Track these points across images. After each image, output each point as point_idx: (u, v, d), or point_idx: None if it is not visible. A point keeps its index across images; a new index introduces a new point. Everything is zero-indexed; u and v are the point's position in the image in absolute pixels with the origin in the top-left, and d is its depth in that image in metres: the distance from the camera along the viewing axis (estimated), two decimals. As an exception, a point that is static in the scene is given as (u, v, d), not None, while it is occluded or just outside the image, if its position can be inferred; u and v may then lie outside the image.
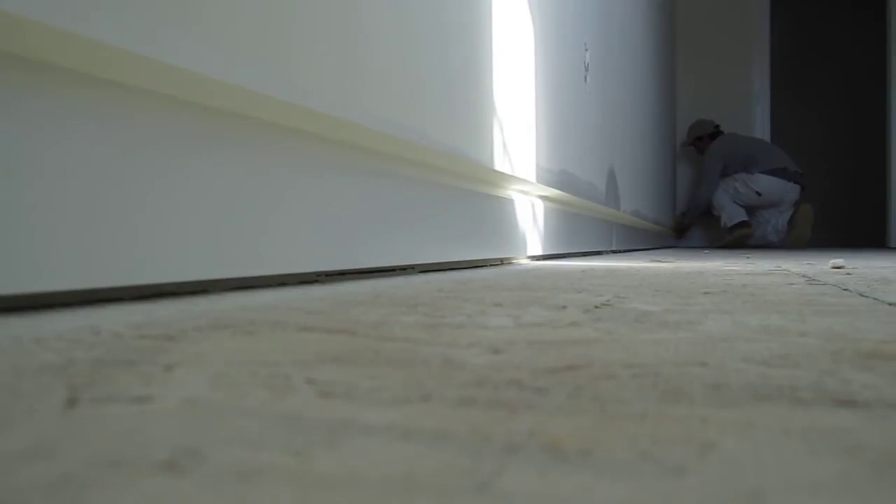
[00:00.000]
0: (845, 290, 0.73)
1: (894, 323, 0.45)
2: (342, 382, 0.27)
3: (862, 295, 0.66)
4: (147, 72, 0.55)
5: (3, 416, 0.22)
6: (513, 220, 1.57)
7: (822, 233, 4.97)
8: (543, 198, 1.81)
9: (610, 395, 0.25)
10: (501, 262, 1.49)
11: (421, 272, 1.06)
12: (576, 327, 0.43)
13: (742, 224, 4.19)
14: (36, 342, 0.35)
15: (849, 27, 5.32)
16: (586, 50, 2.12)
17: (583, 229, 2.29)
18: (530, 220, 1.70)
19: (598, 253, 2.49)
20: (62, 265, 0.49)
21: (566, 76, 1.91)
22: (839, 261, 1.33)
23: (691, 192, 4.66)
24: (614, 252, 2.75)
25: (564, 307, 0.54)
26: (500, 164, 1.34)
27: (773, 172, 4.15)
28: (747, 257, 2.08)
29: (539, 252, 1.76)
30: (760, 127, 4.90)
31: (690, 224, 4.67)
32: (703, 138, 4.44)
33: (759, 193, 4.16)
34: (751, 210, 4.25)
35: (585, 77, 2.12)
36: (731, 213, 4.21)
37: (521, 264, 1.49)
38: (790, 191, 4.17)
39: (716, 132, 4.42)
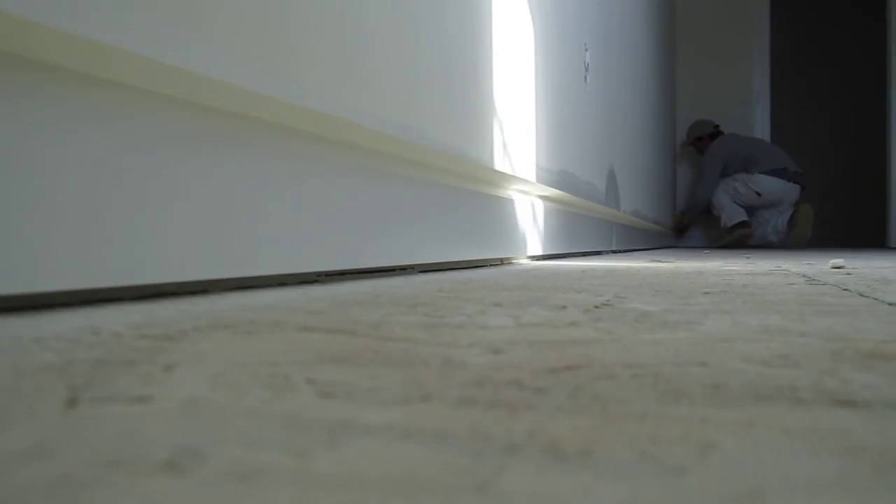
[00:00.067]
0: (845, 290, 0.73)
1: (894, 323, 0.45)
2: (342, 382, 0.27)
3: (862, 295, 0.66)
4: (147, 72, 0.55)
5: (3, 416, 0.22)
6: (513, 220, 1.57)
7: (822, 233, 4.97)
8: (543, 198, 1.81)
9: (610, 395, 0.25)
10: (501, 262, 1.49)
11: (421, 272, 1.06)
12: (576, 327, 0.43)
13: (742, 224, 4.19)
14: (36, 342, 0.35)
15: (849, 27, 5.32)
16: (586, 50, 2.12)
17: (583, 229, 2.29)
18: (530, 220, 1.70)
19: (598, 253, 2.49)
20: (62, 265, 0.49)
21: (566, 76, 1.91)
22: (839, 261, 1.33)
23: (690, 191, 4.66)
24: (614, 252, 2.75)
25: (564, 307, 0.54)
26: (500, 164, 1.34)
27: (773, 172, 4.15)
28: (747, 257, 2.08)
29: (539, 252, 1.76)
30: (760, 127, 4.90)
31: (690, 224, 4.67)
32: (703, 138, 4.44)
33: (759, 193, 4.16)
34: (751, 210, 4.25)
35: (585, 77, 2.12)
36: (730, 213, 4.21)
37: (521, 264, 1.49)
38: (790, 191, 4.17)
39: (716, 132, 4.42)
